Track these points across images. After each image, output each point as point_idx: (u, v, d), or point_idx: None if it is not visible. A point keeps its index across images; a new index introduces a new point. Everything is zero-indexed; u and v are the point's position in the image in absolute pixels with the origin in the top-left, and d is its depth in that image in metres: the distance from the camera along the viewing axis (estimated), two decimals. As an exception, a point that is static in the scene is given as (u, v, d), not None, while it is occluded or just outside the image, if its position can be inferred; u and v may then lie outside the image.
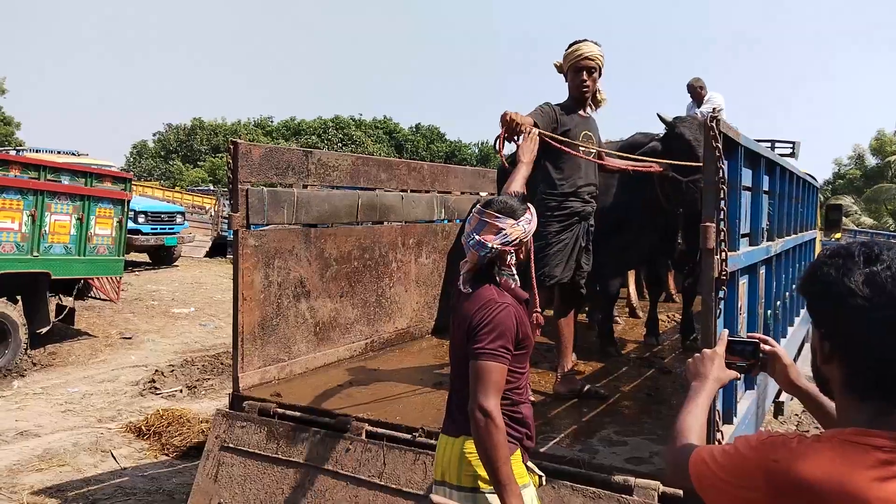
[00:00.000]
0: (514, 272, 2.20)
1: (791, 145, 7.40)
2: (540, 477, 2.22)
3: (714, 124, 2.43)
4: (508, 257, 2.18)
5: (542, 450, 2.78)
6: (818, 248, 7.68)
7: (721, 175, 2.44)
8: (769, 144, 7.39)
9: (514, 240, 2.15)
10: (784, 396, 5.27)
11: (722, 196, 2.45)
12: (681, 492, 2.46)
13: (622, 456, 2.75)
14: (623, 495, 2.49)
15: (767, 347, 1.58)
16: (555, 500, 2.56)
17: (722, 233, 2.47)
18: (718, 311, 2.53)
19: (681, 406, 1.49)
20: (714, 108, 6.95)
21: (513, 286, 2.19)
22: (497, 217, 2.15)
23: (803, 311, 5.86)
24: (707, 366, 1.53)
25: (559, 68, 3.69)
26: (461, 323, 2.13)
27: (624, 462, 2.68)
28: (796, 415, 7.34)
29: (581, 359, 4.31)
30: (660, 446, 2.87)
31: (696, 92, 7.40)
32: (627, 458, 2.73)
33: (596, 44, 3.58)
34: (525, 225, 2.18)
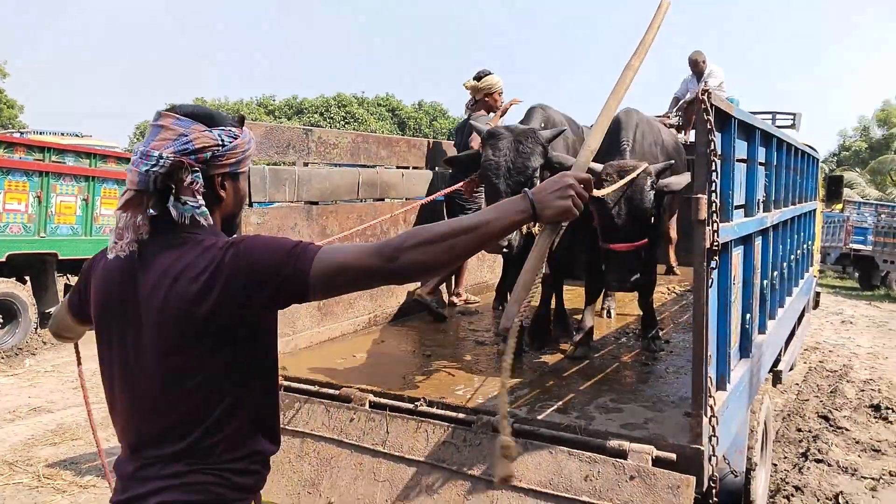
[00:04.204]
0: (202, 204, 1.47)
1: (792, 117, 7.41)
2: None
3: (706, 97, 2.47)
4: (190, 179, 1.45)
5: (539, 417, 2.87)
6: (819, 220, 7.72)
7: (712, 147, 2.49)
8: (770, 116, 7.40)
9: (200, 149, 1.46)
10: (782, 366, 5.36)
11: (713, 168, 2.50)
12: (674, 455, 2.54)
13: (618, 422, 2.83)
14: (618, 459, 2.57)
15: None
16: (552, 464, 2.64)
17: (714, 204, 2.53)
18: (711, 282, 2.59)
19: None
20: (707, 83, 6.97)
21: (203, 224, 1.47)
22: (179, 120, 1.48)
23: (802, 282, 5.91)
24: None
25: (486, 90, 5.00)
26: (162, 306, 1.41)
27: (619, 428, 2.76)
28: (796, 384, 7.44)
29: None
30: (654, 413, 2.95)
31: (698, 66, 7.38)
32: (623, 424, 2.81)
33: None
34: (224, 136, 1.50)
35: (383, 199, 4.76)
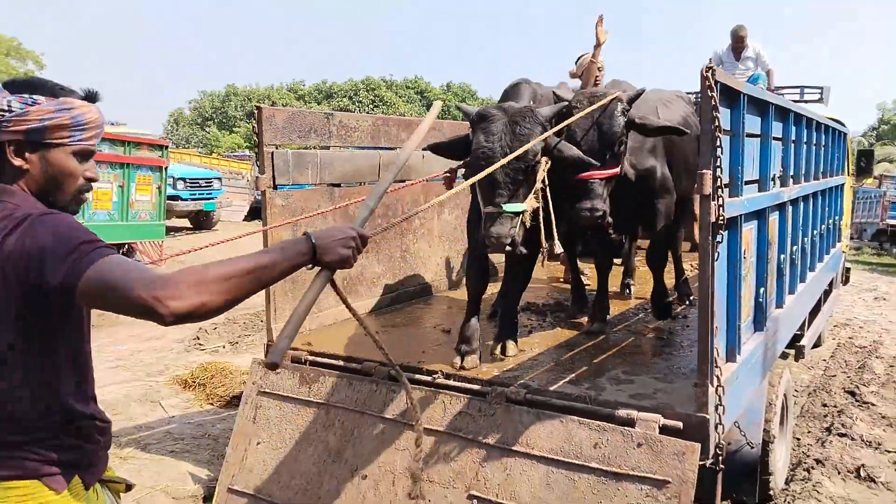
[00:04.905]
0: None
1: (819, 91, 7.29)
2: (128, 486, 1.79)
3: (710, 74, 2.51)
4: None
5: (552, 388, 2.97)
6: (848, 195, 7.61)
7: (716, 123, 2.54)
8: (797, 90, 7.30)
9: None
10: (805, 341, 5.35)
11: (717, 143, 2.55)
12: (680, 424, 2.63)
13: (627, 392, 2.92)
14: (626, 428, 2.66)
15: None
16: (563, 433, 2.74)
17: (719, 179, 2.57)
18: (717, 255, 2.65)
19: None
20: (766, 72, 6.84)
21: (14, 191, 1.50)
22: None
23: (827, 257, 5.87)
24: None
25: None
26: None
27: (629, 398, 2.85)
28: (823, 360, 7.39)
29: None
30: (664, 384, 3.03)
31: (741, 41, 7.13)
32: (633, 394, 2.90)
33: None
34: (14, 103, 1.48)
35: (404, 181, 4.85)
